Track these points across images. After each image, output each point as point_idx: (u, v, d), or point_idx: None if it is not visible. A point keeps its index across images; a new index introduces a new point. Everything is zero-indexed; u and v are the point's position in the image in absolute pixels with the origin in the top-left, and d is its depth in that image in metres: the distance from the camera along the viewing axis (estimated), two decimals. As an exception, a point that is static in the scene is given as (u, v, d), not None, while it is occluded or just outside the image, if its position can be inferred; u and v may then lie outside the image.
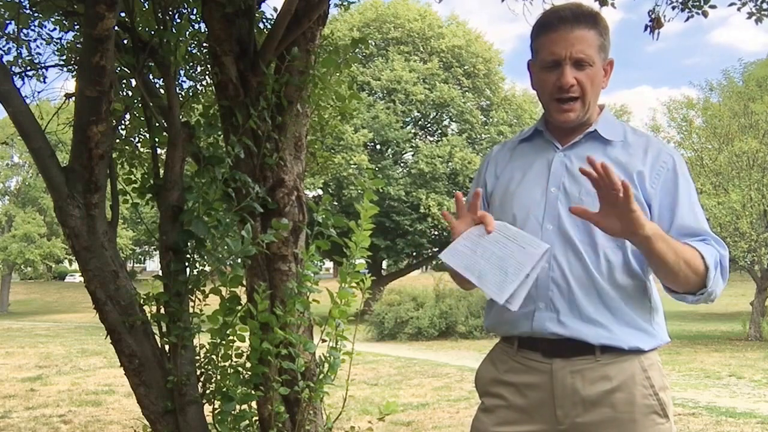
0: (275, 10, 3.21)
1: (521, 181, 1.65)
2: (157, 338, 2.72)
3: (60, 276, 50.86)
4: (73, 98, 2.68)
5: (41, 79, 3.73)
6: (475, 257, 1.50)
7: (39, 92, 3.77)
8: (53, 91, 17.13)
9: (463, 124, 25.47)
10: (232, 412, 2.73)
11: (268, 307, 2.72)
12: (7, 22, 3.31)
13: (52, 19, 3.44)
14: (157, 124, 2.87)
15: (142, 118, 3.20)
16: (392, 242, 23.77)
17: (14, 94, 2.56)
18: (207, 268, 2.73)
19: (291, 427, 2.86)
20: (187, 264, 2.70)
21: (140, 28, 3.03)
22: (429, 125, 27.01)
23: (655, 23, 4.64)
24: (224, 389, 2.74)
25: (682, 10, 4.58)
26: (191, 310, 2.71)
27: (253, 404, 2.84)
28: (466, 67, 25.55)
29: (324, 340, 2.84)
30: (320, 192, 22.95)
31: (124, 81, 3.11)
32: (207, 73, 3.77)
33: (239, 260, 2.73)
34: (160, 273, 2.75)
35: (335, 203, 23.03)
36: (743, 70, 18.65)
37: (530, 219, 1.60)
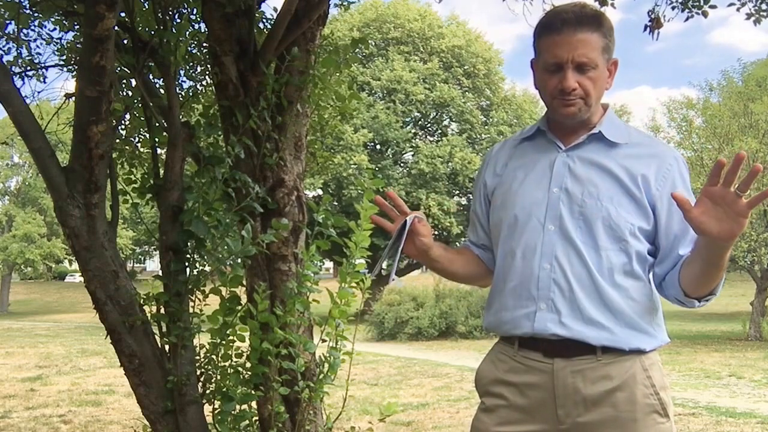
0: (275, 10, 3.21)
1: (523, 180, 1.65)
2: (157, 338, 2.72)
3: (60, 276, 50.86)
4: (73, 98, 2.68)
5: (41, 79, 3.74)
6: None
7: (39, 92, 3.78)
8: (53, 91, 17.16)
9: (463, 124, 25.49)
10: (232, 412, 2.73)
11: (268, 307, 2.72)
12: (7, 22, 3.31)
13: (52, 19, 3.44)
14: (157, 124, 2.87)
15: (142, 118, 3.20)
16: (392, 242, 23.73)
17: (14, 94, 2.56)
18: (207, 268, 2.73)
19: (291, 427, 2.86)
20: (187, 264, 2.70)
21: (140, 28, 3.03)
22: (429, 125, 27.02)
23: (654, 23, 4.65)
24: (224, 389, 2.74)
25: (682, 11, 4.58)
26: (191, 310, 2.71)
27: (253, 404, 2.84)
28: (466, 67, 25.56)
29: (324, 340, 2.84)
30: (320, 192, 22.95)
31: (124, 81, 3.11)
32: (207, 73, 3.77)
33: (239, 260, 2.73)
34: (160, 273, 2.75)
35: (335, 203, 23.03)
36: (743, 71, 18.68)
37: (532, 219, 1.59)
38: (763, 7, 4.69)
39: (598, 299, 1.54)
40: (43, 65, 3.68)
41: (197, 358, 2.75)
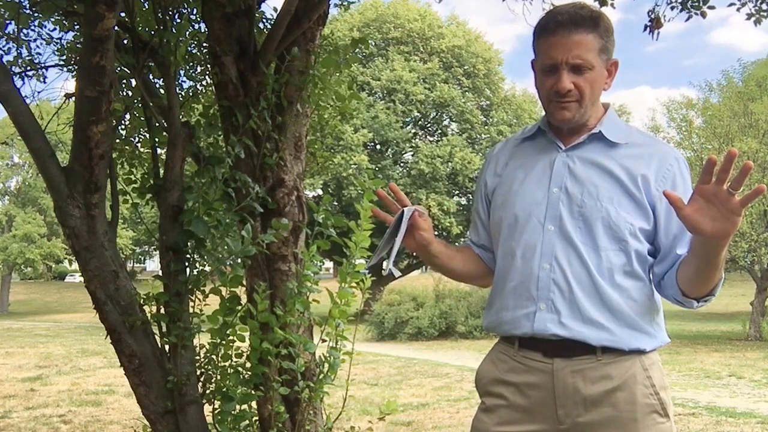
0: (275, 10, 3.21)
1: (523, 180, 1.65)
2: (157, 338, 2.72)
3: (60, 276, 50.86)
4: (73, 98, 2.68)
5: (41, 79, 3.74)
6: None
7: (39, 92, 3.78)
8: (53, 91, 17.16)
9: (463, 124, 25.48)
10: (232, 412, 2.73)
11: (268, 307, 2.72)
12: (7, 22, 3.31)
13: (52, 19, 3.44)
14: (157, 124, 2.87)
15: (142, 118, 3.20)
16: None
17: (14, 94, 2.56)
18: (207, 268, 2.73)
19: (291, 427, 2.86)
20: (187, 264, 2.70)
21: (140, 28, 3.03)
22: (429, 125, 27.01)
23: (654, 23, 4.65)
24: (224, 389, 2.74)
25: (682, 11, 4.58)
26: (191, 310, 2.71)
27: (253, 404, 2.84)
28: (466, 67, 25.56)
29: (324, 340, 2.84)
30: (320, 192, 22.95)
31: (124, 81, 3.11)
32: (207, 73, 3.77)
33: (239, 260, 2.73)
34: (160, 273, 2.75)
35: (335, 203, 23.03)
36: (743, 71, 18.67)
37: (532, 220, 1.59)
38: (764, 7, 4.69)
39: (597, 299, 1.54)
40: (43, 65, 3.69)
41: (197, 358, 2.75)
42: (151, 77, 3.14)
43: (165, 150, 2.78)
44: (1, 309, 32.77)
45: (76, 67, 3.41)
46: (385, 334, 16.54)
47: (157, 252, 2.83)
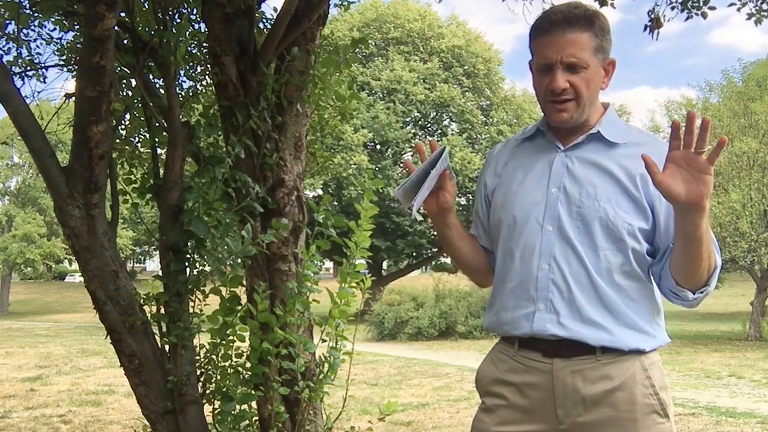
0: (275, 10, 3.22)
1: (523, 181, 1.65)
2: (157, 338, 2.72)
3: (60, 276, 50.86)
4: (73, 98, 2.68)
5: (41, 79, 3.74)
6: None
7: (39, 92, 3.79)
8: (53, 91, 17.19)
9: (463, 124, 25.48)
10: (232, 412, 2.73)
11: (268, 307, 2.72)
12: (7, 22, 3.31)
13: (52, 19, 3.44)
14: (157, 124, 2.87)
15: (142, 118, 3.20)
16: (393, 243, 23.78)
17: (14, 94, 2.56)
18: (207, 268, 2.73)
19: (291, 427, 2.87)
20: (187, 264, 2.70)
21: (140, 28, 3.03)
22: (429, 125, 27.01)
23: (654, 23, 4.65)
24: (224, 389, 2.74)
25: (682, 11, 4.58)
26: (191, 310, 2.71)
27: (253, 404, 2.84)
28: (466, 67, 25.55)
29: (324, 340, 2.84)
30: (320, 192, 22.95)
31: (124, 81, 3.11)
32: (207, 73, 3.77)
33: (239, 260, 2.73)
34: (160, 273, 2.75)
35: (335, 203, 23.03)
36: (743, 71, 18.68)
37: (530, 220, 1.59)
38: (764, 7, 4.69)
39: (596, 299, 1.53)
40: (43, 65, 3.69)
41: (197, 358, 2.75)
42: (151, 77, 3.14)
43: (165, 150, 2.78)
44: (1, 309, 32.78)
45: (76, 67, 3.42)
46: (385, 334, 16.54)
47: (157, 252, 2.83)
